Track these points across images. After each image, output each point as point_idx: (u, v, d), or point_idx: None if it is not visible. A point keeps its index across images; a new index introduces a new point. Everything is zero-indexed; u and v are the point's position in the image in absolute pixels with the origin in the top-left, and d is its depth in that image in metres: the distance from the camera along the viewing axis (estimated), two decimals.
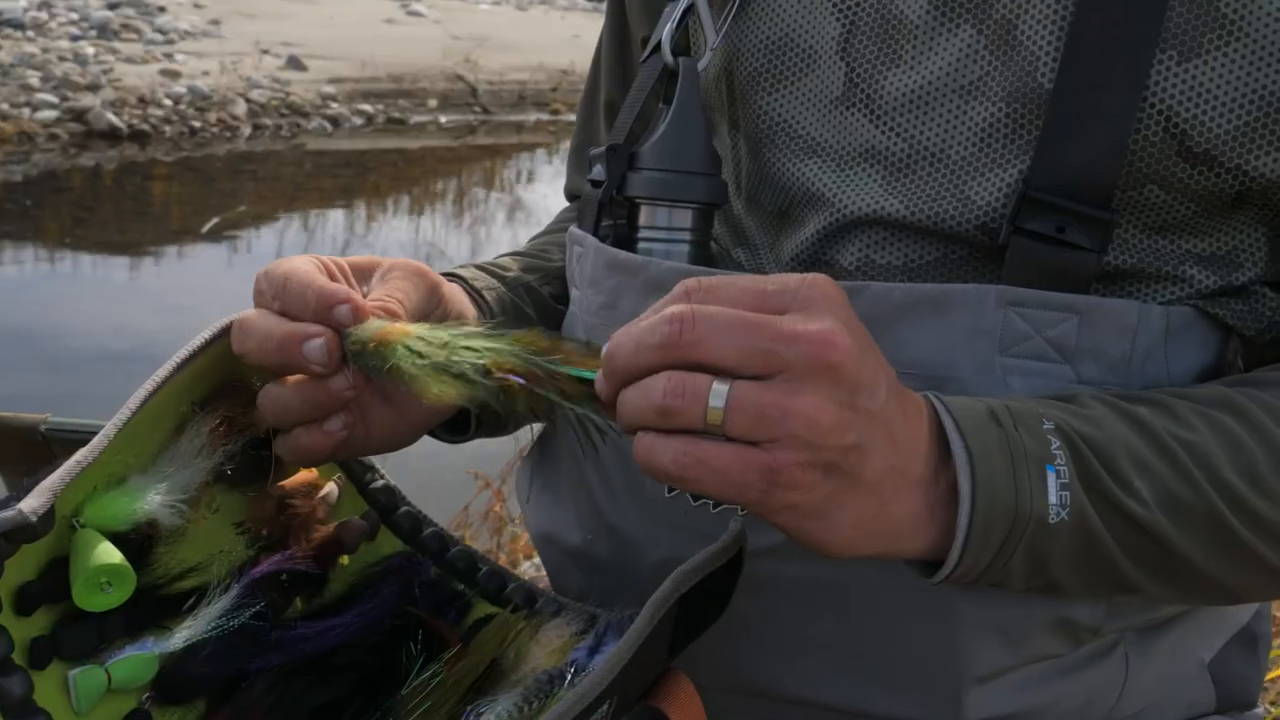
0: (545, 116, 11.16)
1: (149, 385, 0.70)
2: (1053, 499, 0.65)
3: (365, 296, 0.78)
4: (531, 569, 2.64)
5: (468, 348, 0.67)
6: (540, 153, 10.57)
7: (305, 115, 9.64)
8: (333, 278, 0.78)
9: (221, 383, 0.76)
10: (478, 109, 10.92)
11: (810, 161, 0.84)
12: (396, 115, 10.27)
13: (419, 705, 0.71)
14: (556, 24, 14.68)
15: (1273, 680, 1.98)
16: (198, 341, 0.74)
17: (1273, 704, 1.94)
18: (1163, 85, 0.73)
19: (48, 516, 0.63)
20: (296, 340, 0.72)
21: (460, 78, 11.04)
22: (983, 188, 0.78)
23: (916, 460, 0.64)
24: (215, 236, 7.02)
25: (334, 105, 9.93)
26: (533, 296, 0.97)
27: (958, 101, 0.79)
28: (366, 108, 10.12)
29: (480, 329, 0.69)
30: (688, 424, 0.59)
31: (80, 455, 0.66)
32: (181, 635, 0.69)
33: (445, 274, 0.90)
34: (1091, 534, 0.67)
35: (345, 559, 0.81)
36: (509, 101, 11.19)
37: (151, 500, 0.69)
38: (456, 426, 0.90)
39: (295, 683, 0.72)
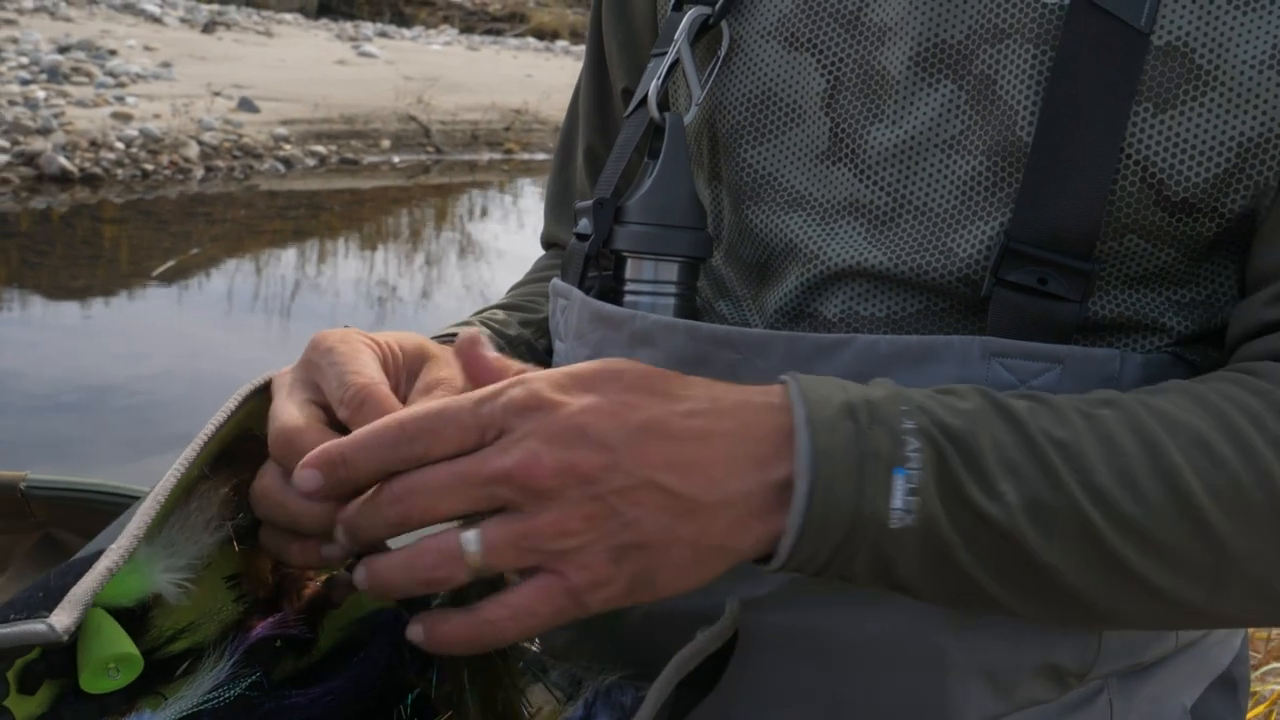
0: (499, 156, 11.18)
1: (178, 468, 0.69)
2: (897, 504, 0.64)
3: (404, 391, 0.77)
4: None
5: None
6: (492, 191, 10.58)
7: (258, 157, 9.61)
8: (393, 375, 0.76)
9: (233, 443, 0.75)
10: (431, 149, 10.92)
11: (794, 215, 0.85)
12: (349, 156, 10.25)
13: None
14: (509, 63, 14.72)
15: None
16: (222, 415, 0.72)
17: None
18: (1139, 137, 0.75)
19: (76, 632, 0.61)
20: (311, 548, 0.71)
21: (413, 118, 11.04)
22: (965, 240, 0.79)
23: (725, 476, 0.64)
24: (168, 279, 6.97)
25: (287, 146, 9.90)
26: (533, 355, 0.97)
27: (940, 155, 0.80)
28: (319, 149, 10.10)
29: None
30: (460, 582, 0.63)
31: (109, 562, 0.64)
32: (176, 706, 0.68)
33: (443, 335, 0.90)
34: (942, 541, 0.65)
35: (332, 613, 0.80)
36: (462, 141, 11.20)
37: (159, 577, 0.68)
38: None
39: None
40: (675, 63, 0.89)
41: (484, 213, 9.86)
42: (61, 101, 9.44)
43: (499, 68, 13.96)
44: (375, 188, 9.92)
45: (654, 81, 0.88)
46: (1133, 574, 0.67)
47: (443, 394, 0.75)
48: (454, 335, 0.91)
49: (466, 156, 11.07)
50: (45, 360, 5.48)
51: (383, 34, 16.41)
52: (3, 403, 4.94)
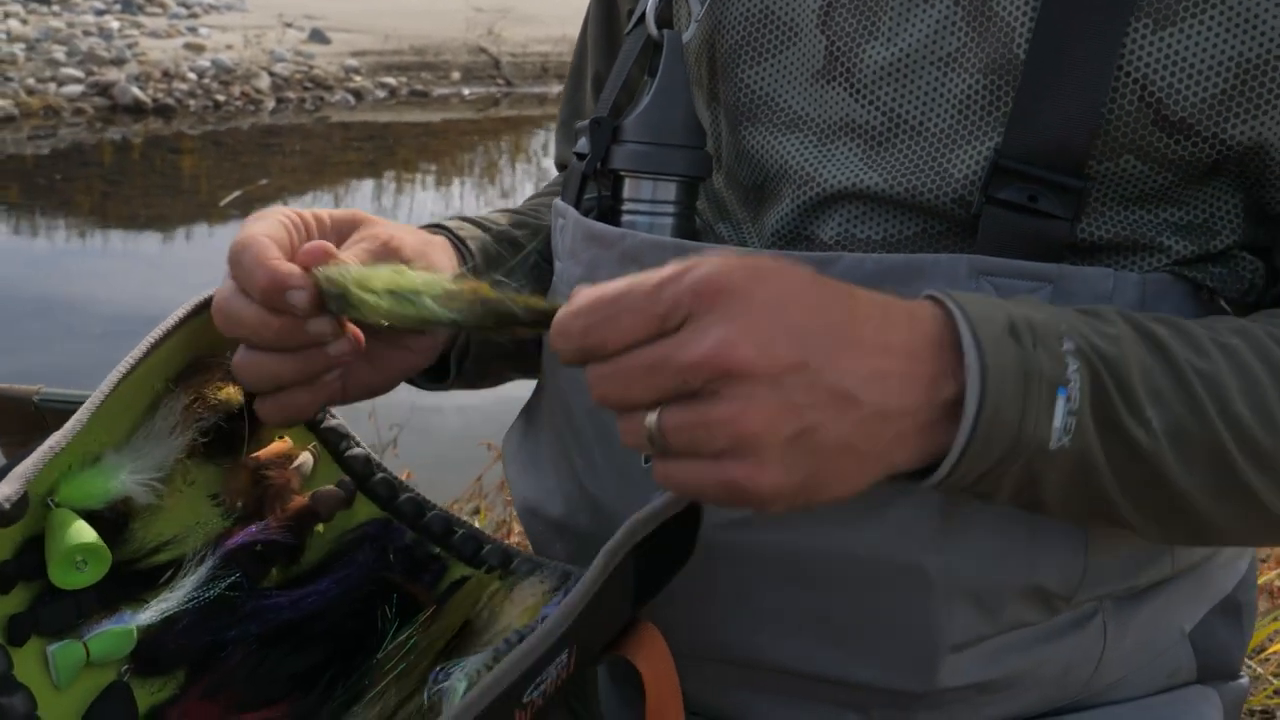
0: None
1: (122, 367, 0.71)
2: (1058, 424, 0.64)
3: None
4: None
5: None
6: None
7: (328, 88, 9.66)
8: (306, 237, 0.78)
9: (194, 358, 0.77)
10: (501, 81, 10.91)
11: (791, 136, 0.85)
12: (419, 88, 10.27)
13: (393, 669, 0.72)
14: None
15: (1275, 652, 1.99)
16: (171, 321, 0.75)
17: (1275, 675, 1.94)
18: (1137, 54, 0.73)
19: (21, 502, 0.64)
20: (296, 326, 0.73)
21: (483, 50, 11.03)
22: (960, 160, 0.78)
23: (901, 390, 0.62)
24: (240, 210, 7.05)
25: (357, 78, 9.94)
26: (516, 249, 0.97)
27: (935, 73, 0.79)
28: (389, 80, 10.13)
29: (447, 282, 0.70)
30: (640, 447, 0.62)
31: (53, 440, 0.67)
32: (158, 608, 0.70)
33: (430, 225, 0.91)
34: (1090, 463, 0.66)
35: (321, 527, 0.82)
36: (532, 74, 11.18)
37: (126, 478, 0.70)
38: (436, 375, 0.92)
39: (272, 650, 0.73)
40: None
41: (553, 144, 9.85)
42: (135, 32, 9.55)
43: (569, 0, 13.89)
44: (445, 120, 9.94)
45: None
46: (1257, 498, 0.70)
47: (361, 250, 0.78)
48: (439, 226, 0.92)
49: (537, 89, 11.05)
50: (119, 288, 5.59)
51: None
52: (79, 329, 5.05)
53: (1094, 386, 0.65)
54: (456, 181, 8.52)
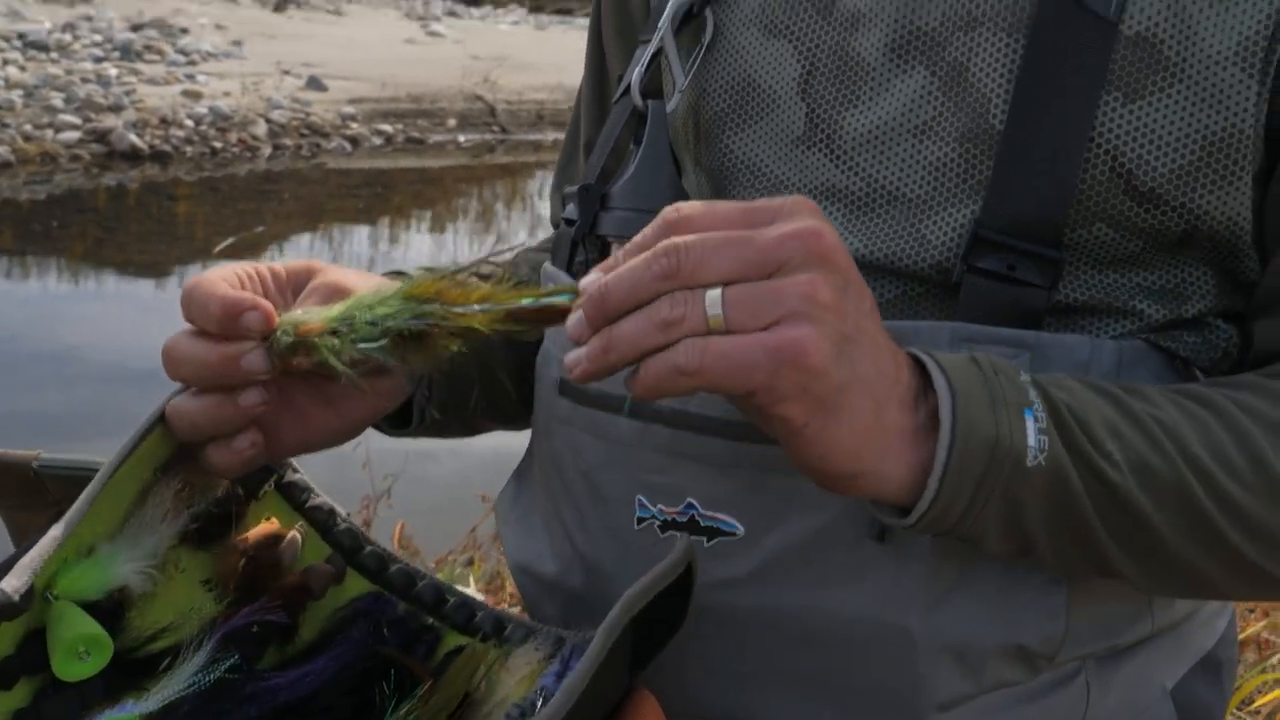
0: (563, 136, 11.22)
1: (113, 460, 0.73)
2: (1031, 441, 0.67)
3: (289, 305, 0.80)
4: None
5: (367, 321, 0.70)
6: None
7: (325, 135, 9.72)
8: (260, 287, 0.79)
9: (179, 447, 0.78)
10: (496, 128, 10.98)
11: None
12: (415, 135, 10.33)
13: None
14: (576, 42, 14.74)
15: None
16: (157, 411, 0.76)
17: None
18: (1108, 126, 0.76)
19: (28, 594, 0.66)
20: (233, 359, 0.74)
21: (479, 97, 11.11)
22: (937, 227, 0.80)
23: (900, 381, 0.66)
24: (236, 256, 7.08)
25: (354, 125, 10.00)
26: None
27: (913, 141, 0.81)
28: (386, 127, 10.19)
29: (386, 291, 0.71)
30: (690, 329, 0.61)
31: (55, 532, 0.68)
32: (160, 695, 0.70)
33: (390, 273, 0.92)
34: (1067, 486, 0.68)
35: (314, 604, 0.83)
36: (527, 121, 11.25)
37: (122, 568, 0.71)
38: (402, 420, 0.93)
39: None
40: (659, 50, 0.90)
41: (548, 190, 9.90)
42: (133, 79, 9.62)
43: (566, 47, 13.98)
44: (441, 166, 9.99)
45: (637, 70, 0.90)
46: (1232, 548, 0.72)
47: (316, 299, 0.79)
48: (401, 273, 0.93)
49: (532, 136, 11.12)
50: (114, 334, 5.60)
51: (451, 13, 16.50)
52: (72, 374, 5.06)
53: (1055, 418, 0.68)
54: (451, 227, 8.56)
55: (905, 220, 0.81)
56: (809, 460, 0.65)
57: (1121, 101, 0.75)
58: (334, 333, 0.71)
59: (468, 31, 14.42)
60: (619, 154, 0.91)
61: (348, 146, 9.78)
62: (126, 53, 10.31)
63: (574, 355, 0.64)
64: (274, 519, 0.84)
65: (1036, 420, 0.67)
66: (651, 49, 0.90)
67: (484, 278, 0.99)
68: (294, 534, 0.84)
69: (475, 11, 17.35)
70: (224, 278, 0.77)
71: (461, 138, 10.62)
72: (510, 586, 2.70)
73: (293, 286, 0.82)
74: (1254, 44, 0.74)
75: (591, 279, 0.64)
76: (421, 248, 7.91)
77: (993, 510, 0.68)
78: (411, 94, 10.79)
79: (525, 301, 0.68)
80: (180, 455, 0.78)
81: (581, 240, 0.89)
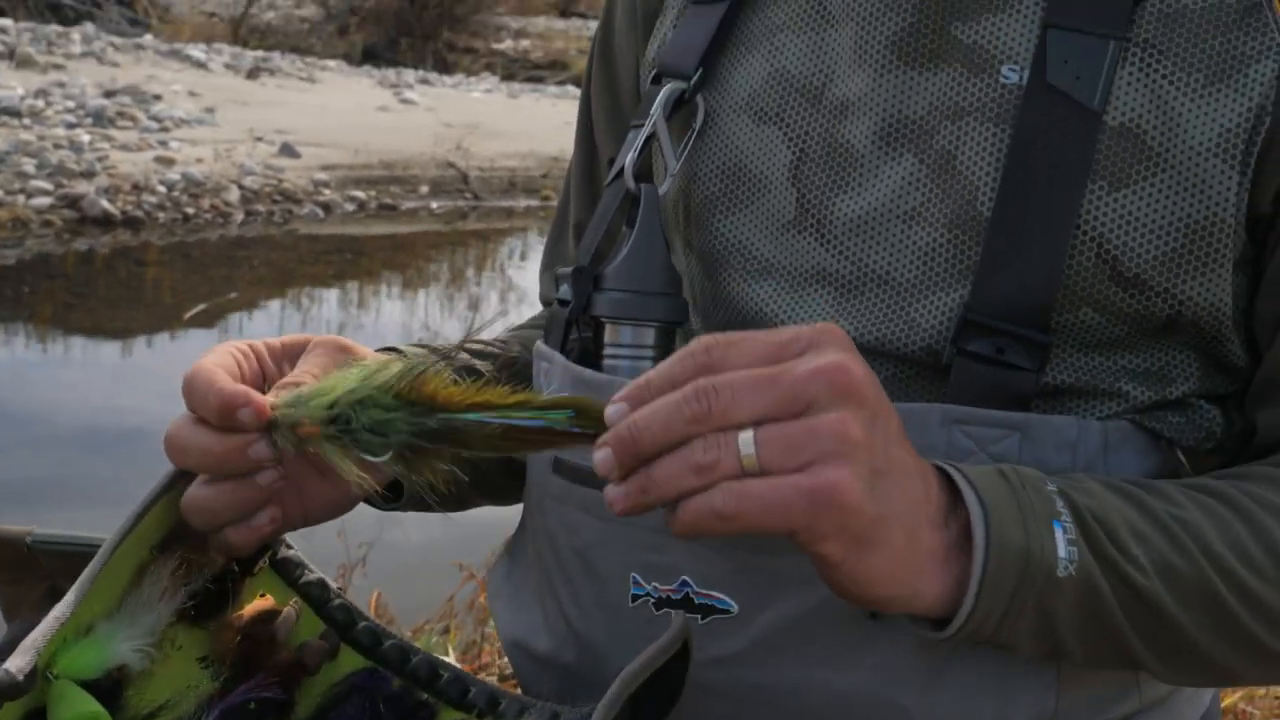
0: (535, 202, 11.28)
1: (113, 539, 0.73)
2: (1062, 553, 0.68)
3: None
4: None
5: (374, 423, 0.71)
6: (532, 235, 10.67)
7: (298, 201, 9.74)
8: (263, 370, 0.81)
9: (176, 525, 0.79)
10: (469, 195, 11.04)
11: (764, 283, 0.88)
12: (388, 201, 10.37)
13: None
14: (547, 111, 14.86)
15: None
16: (156, 490, 0.77)
17: None
18: (1094, 213, 0.78)
19: (32, 674, 0.66)
20: (240, 449, 0.75)
21: (451, 164, 11.17)
22: (927, 310, 0.82)
23: (930, 501, 0.68)
24: (208, 322, 7.07)
25: (326, 192, 10.03)
26: (474, 378, 1.00)
27: (902, 226, 0.83)
28: (359, 194, 10.23)
29: (375, 378, 0.72)
30: (725, 473, 0.63)
31: (57, 611, 0.69)
32: None
33: (384, 349, 0.93)
34: (1097, 594, 0.70)
35: (309, 681, 0.83)
36: (499, 188, 11.31)
37: (120, 646, 0.72)
38: (393, 493, 0.94)
39: None
40: (652, 135, 0.92)
41: (522, 257, 9.94)
42: (106, 145, 9.62)
43: (538, 115, 14.10)
44: (413, 233, 10.03)
45: (630, 154, 0.92)
46: (1255, 639, 0.73)
47: (319, 352, 0.82)
48: (397, 351, 0.93)
49: (504, 203, 11.18)
50: (82, 400, 5.57)
51: (424, 81, 16.61)
52: (42, 440, 5.02)
53: (1082, 526, 0.70)
54: (423, 293, 8.57)
55: (895, 304, 0.83)
56: (847, 589, 0.67)
57: (1106, 190, 0.78)
58: (334, 436, 0.72)
59: (440, 99, 14.51)
60: (611, 236, 0.93)
61: (320, 213, 9.80)
62: (99, 119, 10.32)
63: (613, 492, 0.65)
64: (269, 595, 0.84)
65: (1065, 531, 0.69)
66: (644, 133, 0.92)
67: (477, 355, 1.01)
68: (289, 610, 0.84)
69: (448, 79, 17.48)
70: (222, 364, 0.79)
71: (434, 204, 10.66)
72: (486, 656, 2.69)
73: (289, 358, 0.83)
74: (1235, 135, 0.76)
75: (617, 411, 0.66)
76: (393, 313, 7.92)
77: (1026, 621, 0.70)
78: (384, 161, 10.84)
79: (528, 419, 0.70)
80: (177, 533, 0.79)
81: (576, 321, 0.91)
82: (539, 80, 19.94)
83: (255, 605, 0.83)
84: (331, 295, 8.15)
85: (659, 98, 0.92)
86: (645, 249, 0.89)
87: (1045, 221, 0.78)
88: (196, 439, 0.76)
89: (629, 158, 0.91)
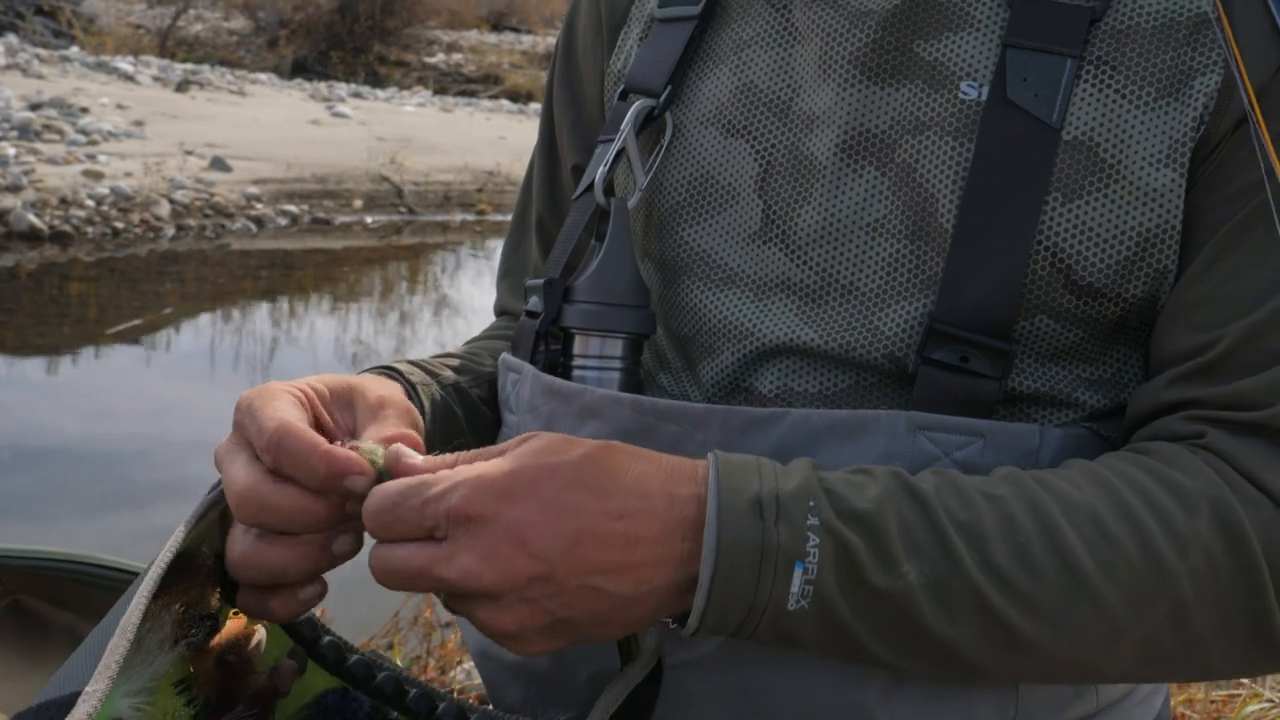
0: (471, 217, 11.25)
1: (138, 607, 0.70)
2: (794, 589, 0.71)
3: (342, 424, 0.82)
4: (463, 675, 2.64)
5: None
6: (465, 251, 10.64)
7: (230, 216, 9.63)
8: (318, 418, 0.81)
9: (181, 570, 0.77)
10: (403, 209, 10.99)
11: (728, 292, 0.90)
12: (322, 215, 10.29)
13: None
14: (482, 125, 14.84)
15: None
16: (174, 545, 0.74)
17: None
18: (1050, 225, 0.80)
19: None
20: (338, 509, 0.76)
21: (386, 179, 11.11)
22: (889, 319, 0.84)
23: (649, 575, 0.71)
24: (136, 338, 6.97)
25: (259, 206, 9.94)
26: (462, 397, 1.01)
27: (864, 237, 0.85)
28: (291, 208, 10.14)
29: None
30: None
31: (88, 709, 0.66)
32: None
33: (381, 368, 0.94)
34: (837, 619, 0.72)
35: (281, 702, 0.83)
36: (434, 202, 11.27)
37: (120, 703, 0.69)
38: None
39: None
40: (621, 151, 0.94)
41: (456, 271, 9.91)
42: (32, 159, 9.46)
43: (472, 129, 14.07)
44: (347, 248, 9.96)
45: (600, 169, 0.93)
46: (1028, 643, 0.73)
47: (393, 416, 0.83)
48: (388, 369, 0.95)
49: (439, 217, 11.13)
50: (8, 417, 5.47)
51: (356, 94, 16.51)
52: None
53: (839, 554, 0.71)
54: (356, 307, 8.52)
55: (858, 312, 0.85)
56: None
57: (1061, 201, 0.80)
58: None
59: (373, 113, 14.44)
60: (580, 249, 0.94)
61: (253, 227, 9.70)
62: (25, 132, 10.15)
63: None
64: (240, 614, 0.84)
65: (806, 571, 0.71)
66: (614, 149, 0.93)
67: (456, 370, 1.02)
68: (260, 630, 0.84)
69: (380, 93, 17.39)
70: (299, 417, 0.78)
71: (368, 219, 10.60)
72: (431, 671, 2.68)
73: (339, 405, 0.84)
74: (1183, 145, 0.79)
75: None
76: (326, 328, 7.85)
77: (764, 634, 0.73)
78: (317, 175, 10.76)
79: None
80: (177, 568, 0.76)
81: (545, 332, 0.92)
82: (472, 94, 19.91)
83: (231, 628, 0.82)
84: (264, 310, 8.08)
85: (629, 114, 0.94)
86: (614, 261, 0.91)
87: (1007, 233, 0.80)
88: (287, 498, 0.74)
89: (600, 173, 0.93)
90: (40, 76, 13.14)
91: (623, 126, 0.93)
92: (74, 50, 16.02)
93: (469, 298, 8.85)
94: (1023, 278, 0.80)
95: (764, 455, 0.81)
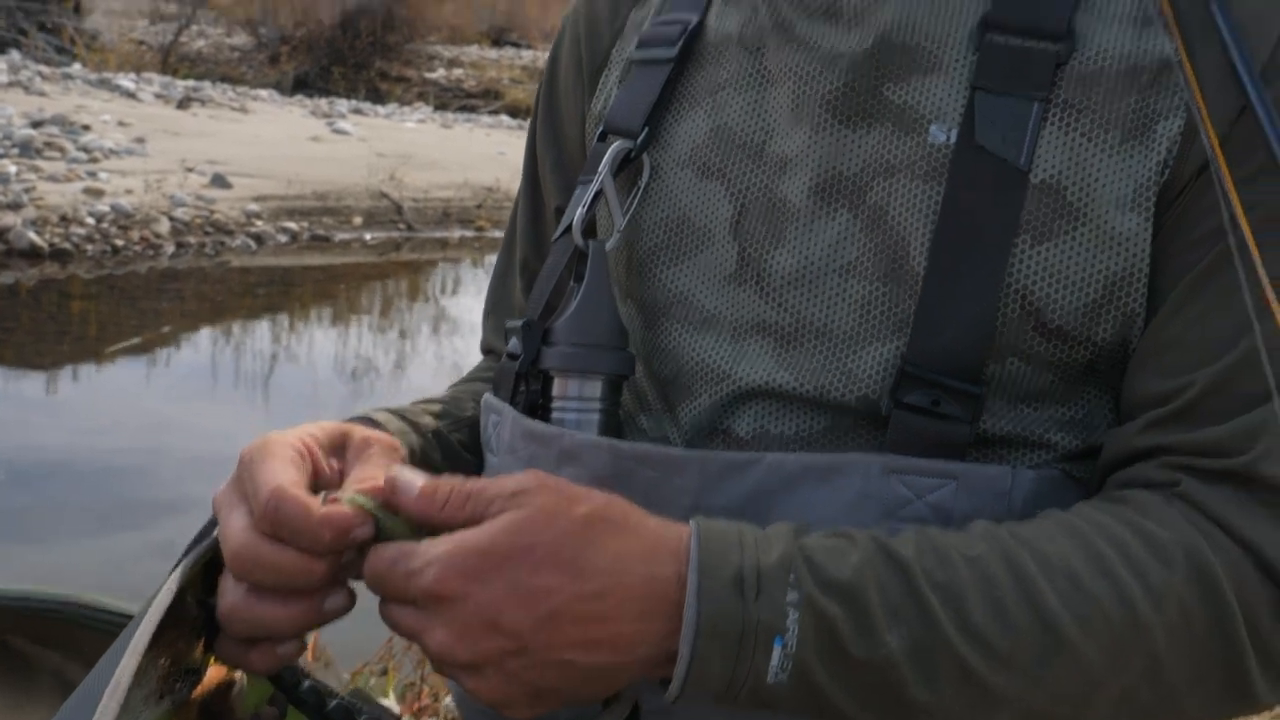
0: (470, 233, 11.26)
1: (128, 669, 0.69)
2: (774, 663, 0.72)
3: (339, 469, 0.84)
4: (454, 705, 2.64)
5: None
6: (464, 267, 10.65)
7: (229, 233, 9.65)
8: (317, 470, 0.82)
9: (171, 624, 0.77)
10: (402, 226, 11.00)
11: (705, 334, 0.91)
12: (321, 232, 10.31)
13: None
14: (481, 141, 14.87)
15: None
16: (165, 600, 0.74)
17: None
18: (1019, 267, 0.81)
19: None
20: (336, 566, 0.77)
21: (385, 195, 11.13)
22: (863, 361, 0.84)
23: (626, 648, 0.73)
24: (135, 355, 6.98)
25: (258, 223, 9.96)
26: (442, 443, 1.02)
27: (838, 280, 0.86)
28: (291, 225, 10.15)
29: None
30: None
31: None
32: None
33: (358, 417, 0.95)
34: (817, 692, 0.73)
35: None
36: (433, 219, 11.28)
37: None
38: None
39: None
40: (599, 192, 0.94)
41: (455, 288, 9.92)
42: (33, 176, 9.48)
43: (472, 145, 14.10)
44: (347, 264, 9.98)
45: (579, 210, 0.94)
46: (1006, 699, 0.74)
47: (377, 454, 0.85)
48: (367, 418, 0.96)
49: (438, 233, 11.15)
50: (6, 435, 5.48)
51: (357, 111, 16.55)
52: None
53: (819, 627, 0.72)
54: (356, 323, 8.53)
55: (832, 355, 0.86)
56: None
57: (1030, 244, 0.81)
58: None
59: (373, 129, 14.47)
60: (560, 290, 0.95)
61: (252, 244, 9.72)
62: (26, 150, 10.17)
63: None
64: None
65: (785, 646, 0.72)
66: (592, 191, 0.94)
67: (437, 416, 1.03)
68: (240, 678, 0.85)
69: (381, 109, 17.43)
70: (298, 480, 0.79)
71: (368, 235, 10.62)
72: (425, 698, 2.68)
73: (335, 453, 0.85)
74: (1148, 190, 0.80)
75: None
76: (326, 344, 7.87)
77: (744, 701, 0.73)
78: (317, 191, 10.78)
79: None
80: (166, 626, 0.76)
81: (525, 374, 0.93)
82: (472, 109, 19.95)
83: (210, 676, 0.83)
84: (264, 326, 8.09)
85: (606, 155, 0.94)
86: (593, 304, 0.91)
87: (977, 276, 0.81)
88: (287, 558, 0.75)
89: (577, 214, 0.94)
90: (42, 94, 13.17)
91: (600, 168, 0.94)
92: (76, 67, 16.06)
93: (468, 313, 8.86)
94: (993, 320, 0.81)
95: (742, 499, 0.82)
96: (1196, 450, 0.78)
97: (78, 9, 19.55)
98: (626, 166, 0.96)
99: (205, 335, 7.67)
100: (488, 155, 13.16)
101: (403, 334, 8.37)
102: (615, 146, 0.95)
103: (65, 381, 6.56)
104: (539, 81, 1.16)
